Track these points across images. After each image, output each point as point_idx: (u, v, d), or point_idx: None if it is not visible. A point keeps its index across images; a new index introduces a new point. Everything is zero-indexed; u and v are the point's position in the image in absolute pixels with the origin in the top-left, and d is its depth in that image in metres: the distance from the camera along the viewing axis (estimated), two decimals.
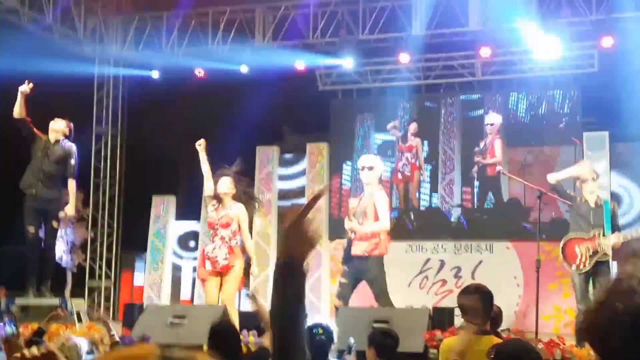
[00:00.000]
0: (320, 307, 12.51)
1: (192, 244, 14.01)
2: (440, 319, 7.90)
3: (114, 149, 14.41)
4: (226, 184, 8.02)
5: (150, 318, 6.52)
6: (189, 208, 14.07)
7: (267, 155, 13.58)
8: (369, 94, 13.80)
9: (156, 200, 14.13)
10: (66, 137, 8.97)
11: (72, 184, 8.89)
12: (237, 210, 7.96)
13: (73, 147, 8.99)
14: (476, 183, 12.89)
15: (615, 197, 11.22)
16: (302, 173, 13.63)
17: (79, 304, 8.81)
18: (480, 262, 12.44)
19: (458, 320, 8.86)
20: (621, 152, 12.08)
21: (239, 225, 7.94)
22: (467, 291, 4.53)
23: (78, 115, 10.61)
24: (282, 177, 13.77)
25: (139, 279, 14.62)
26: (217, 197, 8.01)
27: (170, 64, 13.65)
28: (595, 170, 8.31)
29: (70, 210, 8.83)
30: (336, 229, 13.15)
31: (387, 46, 12.95)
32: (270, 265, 12.75)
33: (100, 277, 14.12)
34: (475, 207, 12.92)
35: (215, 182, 8.05)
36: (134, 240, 14.28)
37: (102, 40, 14.01)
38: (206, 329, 4.51)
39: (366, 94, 13.82)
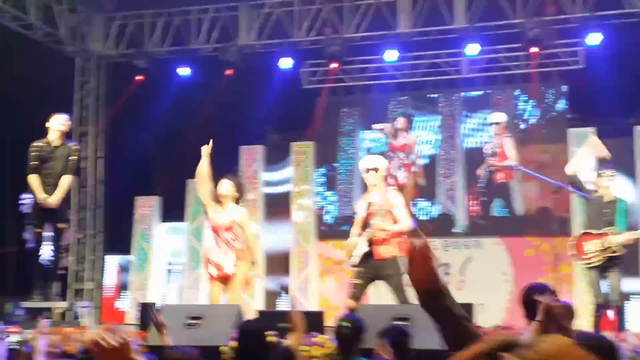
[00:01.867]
0: (307, 306, 12.44)
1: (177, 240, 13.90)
2: None
3: (96, 149, 14.23)
4: (227, 187, 7.91)
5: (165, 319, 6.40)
6: (173, 209, 13.95)
7: (251, 155, 13.48)
8: (354, 92, 13.74)
9: (140, 201, 13.98)
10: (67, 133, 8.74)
11: (66, 179, 8.62)
12: (239, 213, 7.89)
13: (78, 146, 8.82)
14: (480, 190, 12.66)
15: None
16: (288, 172, 13.52)
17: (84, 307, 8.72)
18: (470, 258, 12.45)
19: (479, 316, 8.99)
20: (606, 147, 12.12)
21: (240, 228, 7.88)
22: None
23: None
24: (267, 177, 13.67)
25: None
26: (217, 199, 7.91)
27: (152, 63, 13.52)
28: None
29: (53, 199, 8.46)
30: (323, 230, 13.16)
31: (372, 44, 12.92)
32: (254, 265, 12.66)
33: (84, 279, 13.94)
34: (481, 217, 12.76)
35: (215, 184, 7.97)
36: (118, 241, 14.11)
37: (83, 39, 13.84)
38: (222, 329, 4.42)
39: (351, 93, 13.77)
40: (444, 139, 12.97)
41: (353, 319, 4.46)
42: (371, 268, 7.78)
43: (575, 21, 11.90)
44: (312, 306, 12.49)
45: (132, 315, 12.75)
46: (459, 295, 10.83)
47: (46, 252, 13.03)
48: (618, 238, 7.97)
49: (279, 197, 13.50)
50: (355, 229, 8.02)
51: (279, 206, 13.43)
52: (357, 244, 7.83)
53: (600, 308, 8.05)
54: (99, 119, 14.27)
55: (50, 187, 8.41)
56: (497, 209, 12.59)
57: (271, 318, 6.10)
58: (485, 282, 12.03)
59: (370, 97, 13.57)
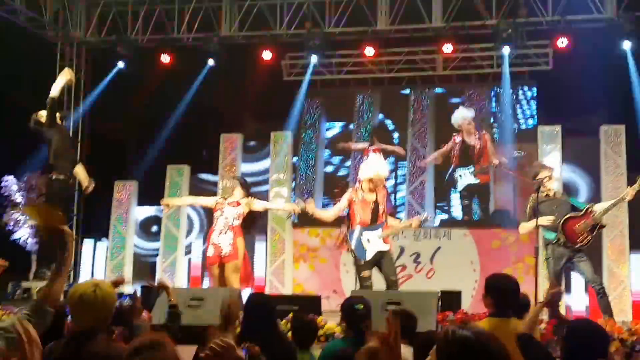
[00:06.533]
0: (283, 292, 12.73)
1: (154, 229, 14.13)
2: (448, 302, 8.39)
3: (75, 133, 14.37)
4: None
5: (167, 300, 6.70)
6: (150, 193, 14.15)
7: (231, 143, 13.75)
8: (333, 86, 14.13)
9: (118, 185, 14.15)
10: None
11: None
12: (249, 200, 8.58)
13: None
14: (459, 192, 13.01)
15: (565, 188, 11.79)
16: (267, 161, 13.82)
17: None
18: (439, 248, 12.86)
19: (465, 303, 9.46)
20: (573, 145, 12.67)
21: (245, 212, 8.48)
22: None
23: (39, 99, 10.62)
24: (246, 165, 13.97)
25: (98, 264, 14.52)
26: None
27: (134, 50, 13.72)
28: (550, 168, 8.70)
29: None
30: (302, 218, 13.47)
31: (352, 39, 13.31)
32: None
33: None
34: (462, 219, 13.13)
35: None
36: (95, 225, 14.29)
37: (65, 25, 13.99)
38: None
39: (329, 85, 14.17)
40: (414, 135, 13.37)
41: (364, 302, 4.92)
42: (374, 259, 8.46)
43: (545, 24, 12.42)
44: (287, 291, 12.83)
45: None
46: (429, 283, 11.35)
47: (23, 234, 13.21)
48: (601, 206, 8.24)
49: (257, 184, 13.81)
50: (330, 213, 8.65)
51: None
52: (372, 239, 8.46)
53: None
54: (79, 103, 14.41)
55: (70, 169, 8.85)
56: (475, 210, 13.00)
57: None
58: (453, 271, 12.51)
59: (336, 91, 13.93)
